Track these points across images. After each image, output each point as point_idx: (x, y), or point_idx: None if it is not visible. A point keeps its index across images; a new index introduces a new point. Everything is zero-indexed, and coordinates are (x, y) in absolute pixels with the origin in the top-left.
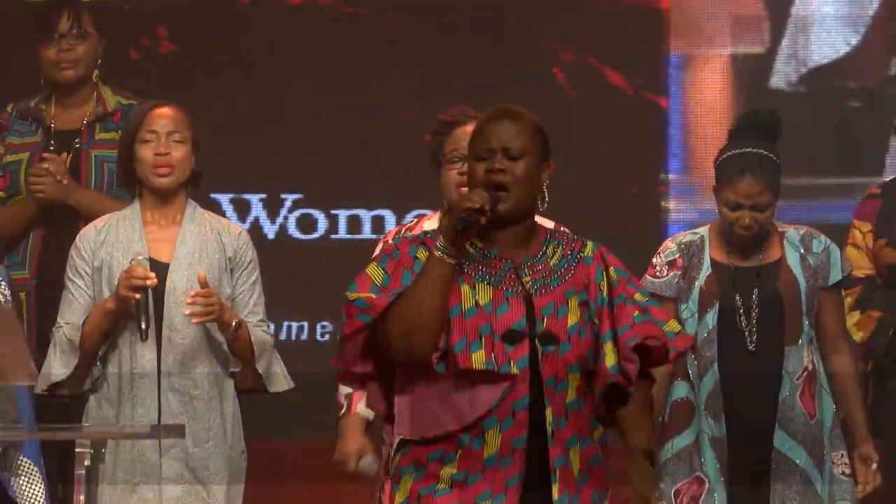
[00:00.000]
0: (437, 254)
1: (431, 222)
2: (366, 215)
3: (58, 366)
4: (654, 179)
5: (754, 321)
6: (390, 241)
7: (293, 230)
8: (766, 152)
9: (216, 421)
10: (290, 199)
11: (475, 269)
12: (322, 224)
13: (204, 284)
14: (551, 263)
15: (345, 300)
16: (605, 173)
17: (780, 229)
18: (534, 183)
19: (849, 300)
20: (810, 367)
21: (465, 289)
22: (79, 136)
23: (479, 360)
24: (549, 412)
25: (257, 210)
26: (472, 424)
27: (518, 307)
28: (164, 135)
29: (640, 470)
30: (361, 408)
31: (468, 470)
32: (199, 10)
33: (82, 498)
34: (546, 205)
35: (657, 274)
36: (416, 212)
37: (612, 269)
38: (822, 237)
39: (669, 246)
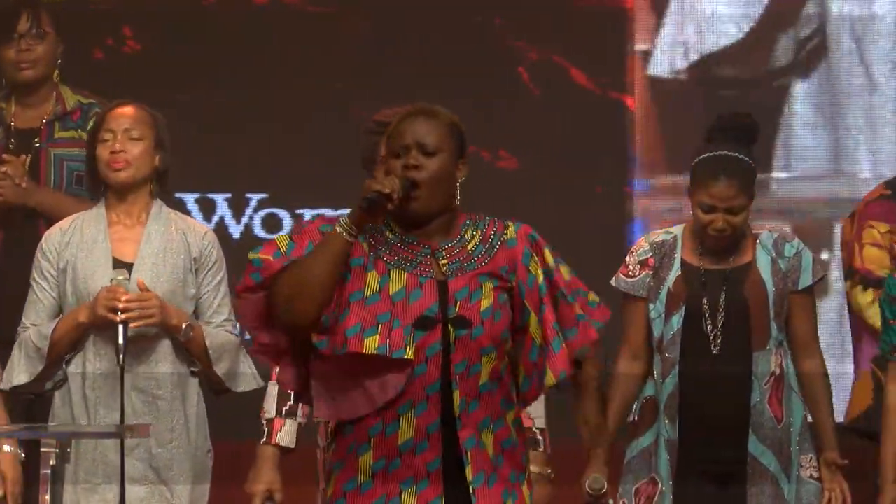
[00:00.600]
0: (337, 228)
1: None
2: (331, 215)
3: (21, 370)
4: (620, 178)
5: (720, 325)
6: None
7: (259, 230)
8: (740, 156)
9: (180, 421)
10: (255, 198)
11: (392, 256)
12: (287, 224)
13: (143, 289)
14: (468, 247)
15: (248, 260)
16: (570, 172)
17: (754, 231)
18: (448, 179)
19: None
20: (778, 371)
21: (373, 275)
22: (38, 135)
23: (371, 345)
24: (456, 395)
25: (223, 209)
26: (387, 410)
27: (431, 293)
28: (121, 132)
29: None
30: (282, 437)
31: (385, 457)
32: (164, 10)
33: (47, 497)
34: (458, 202)
35: (630, 273)
36: None
37: (547, 255)
38: (796, 241)
39: (642, 245)
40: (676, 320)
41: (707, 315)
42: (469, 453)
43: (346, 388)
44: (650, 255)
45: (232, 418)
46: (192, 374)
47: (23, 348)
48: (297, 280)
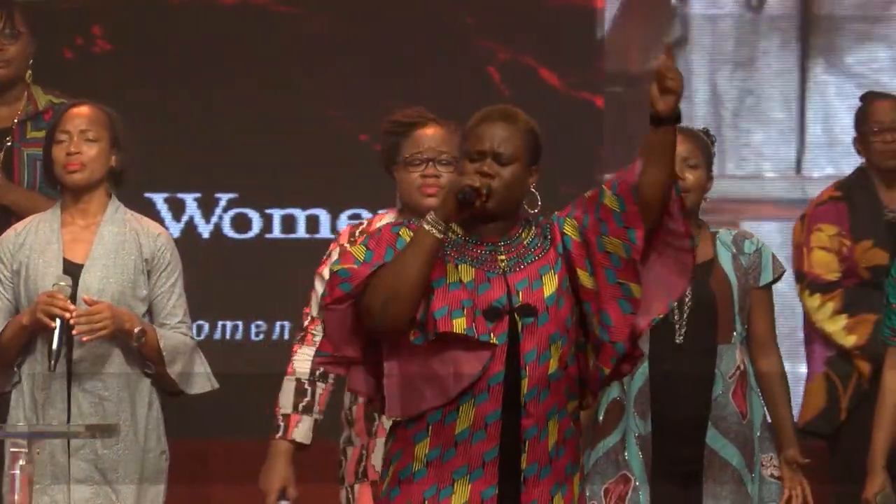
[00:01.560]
0: (426, 227)
1: (387, 220)
2: (300, 215)
3: None
4: (590, 178)
5: (685, 317)
6: (345, 244)
7: (228, 229)
8: (697, 129)
9: (126, 423)
10: (224, 198)
11: (458, 253)
12: (256, 223)
13: (91, 303)
14: (525, 242)
15: (330, 273)
16: (540, 172)
17: (711, 230)
18: (519, 187)
19: (831, 305)
20: (742, 367)
21: (450, 266)
22: (11, 135)
23: (460, 325)
24: (524, 383)
25: (192, 209)
26: (453, 400)
27: (499, 285)
28: (77, 134)
29: None
30: (298, 433)
31: (441, 445)
32: (134, 10)
33: (16, 497)
34: (539, 207)
35: None
36: (350, 211)
37: (568, 222)
38: (754, 238)
39: None
40: None
41: (674, 307)
42: (528, 443)
43: (419, 382)
44: None
45: (197, 417)
46: (147, 375)
47: None
48: (392, 282)
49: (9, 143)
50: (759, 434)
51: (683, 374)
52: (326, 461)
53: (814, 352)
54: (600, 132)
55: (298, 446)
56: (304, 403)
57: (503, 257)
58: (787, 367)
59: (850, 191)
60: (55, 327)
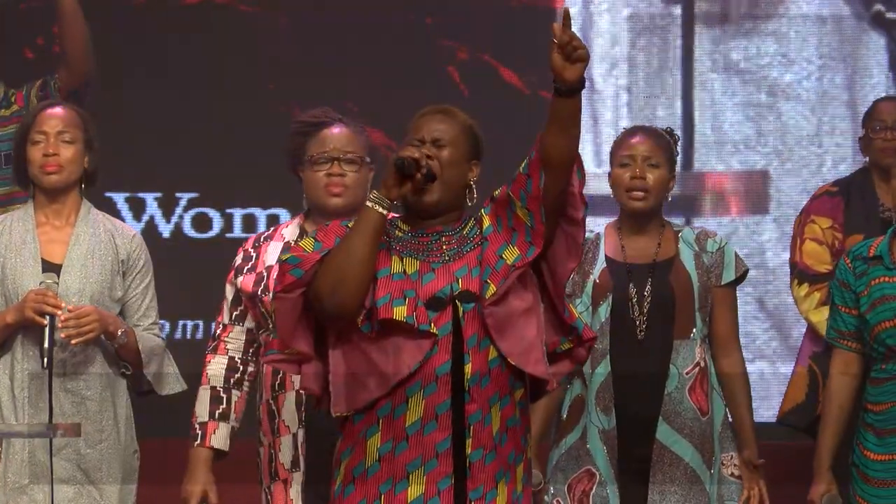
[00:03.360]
0: (369, 203)
1: (291, 229)
2: (261, 214)
3: None
4: None
5: (645, 312)
6: (249, 249)
7: (188, 229)
8: (658, 128)
9: (109, 422)
10: (185, 197)
11: (403, 247)
12: (217, 223)
13: (73, 310)
14: (464, 232)
15: (279, 263)
16: (500, 173)
17: (675, 229)
18: (459, 174)
19: (817, 295)
20: (703, 364)
21: (395, 258)
22: None
23: (400, 313)
24: (468, 368)
25: (152, 209)
26: (397, 391)
27: (443, 275)
28: (54, 135)
29: None
30: (216, 440)
31: (393, 439)
32: (95, 10)
33: None
34: (475, 200)
35: None
36: None
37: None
38: (718, 237)
39: None
40: (604, 310)
41: (634, 302)
42: (472, 428)
43: (361, 375)
44: None
45: (160, 417)
46: (123, 375)
47: None
48: (340, 264)
49: None
50: (719, 432)
51: (642, 371)
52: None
53: (803, 347)
54: None
55: (217, 453)
56: (220, 411)
57: (446, 247)
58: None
59: (849, 186)
60: (46, 325)
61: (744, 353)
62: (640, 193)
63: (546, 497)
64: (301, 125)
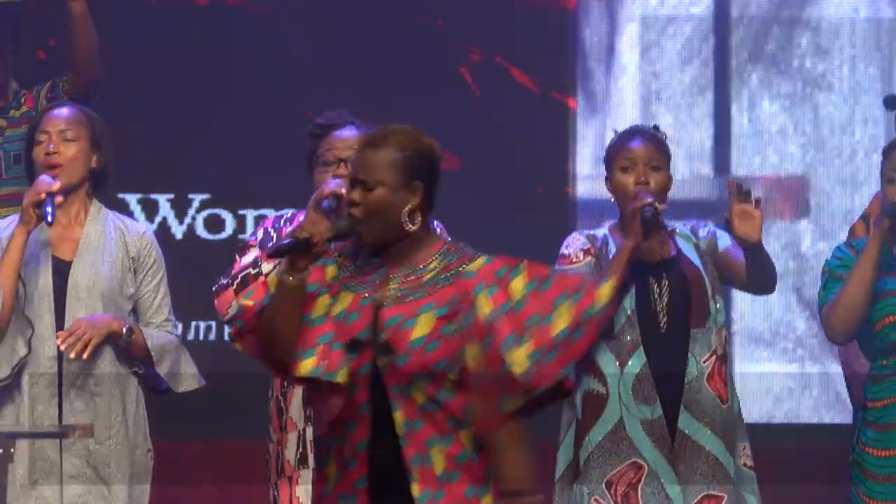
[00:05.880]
0: (284, 277)
1: None
2: (273, 215)
3: None
4: (562, 179)
5: (665, 304)
6: (269, 229)
7: (201, 230)
8: (653, 130)
9: (118, 419)
10: (197, 199)
11: (351, 277)
12: (230, 224)
13: (62, 334)
14: (424, 278)
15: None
16: (512, 173)
17: (668, 228)
18: (387, 211)
19: None
20: (720, 352)
21: (323, 299)
22: None
23: (306, 367)
24: (398, 415)
25: (165, 210)
26: (339, 425)
27: (366, 316)
28: (56, 134)
29: None
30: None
31: (337, 467)
32: (107, 10)
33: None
34: (417, 225)
35: (573, 260)
36: None
37: (514, 288)
38: (709, 224)
39: (578, 238)
40: (628, 303)
41: (656, 294)
42: (415, 471)
43: (317, 404)
44: (589, 245)
45: (175, 418)
46: (136, 375)
47: None
48: (266, 329)
49: None
50: (735, 423)
51: (664, 359)
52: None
53: None
54: (573, 133)
55: None
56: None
57: (394, 286)
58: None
59: None
60: (45, 199)
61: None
62: (649, 187)
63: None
64: (314, 127)
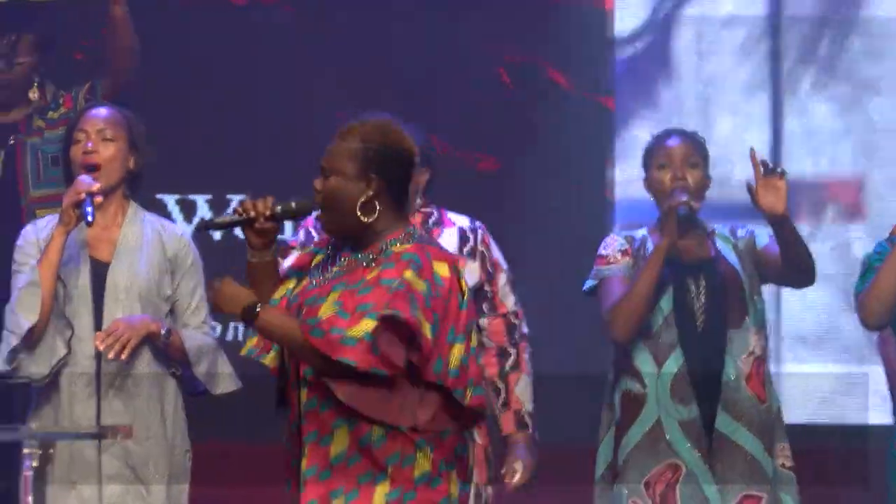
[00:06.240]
0: (247, 257)
1: None
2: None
3: (25, 309)
4: (599, 180)
5: (702, 304)
6: (311, 230)
7: (239, 231)
8: (690, 130)
9: (156, 420)
10: (235, 199)
11: (320, 264)
12: None
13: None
14: (359, 260)
15: None
16: (549, 174)
17: (707, 228)
18: (342, 200)
19: None
20: (758, 352)
21: (289, 282)
22: (15, 131)
23: (247, 347)
24: (303, 393)
25: (203, 211)
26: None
27: (300, 298)
28: (94, 133)
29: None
30: None
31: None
32: (143, 12)
33: (30, 499)
34: (372, 217)
35: (610, 261)
36: None
37: (415, 281)
38: (746, 226)
39: (616, 238)
40: (666, 303)
41: (693, 294)
42: (307, 447)
43: None
44: (627, 245)
45: (214, 419)
46: (174, 376)
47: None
48: None
49: (12, 142)
50: (774, 423)
51: (701, 359)
52: None
53: None
54: (610, 133)
55: None
56: None
57: (336, 269)
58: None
59: None
60: (85, 199)
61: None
62: (687, 186)
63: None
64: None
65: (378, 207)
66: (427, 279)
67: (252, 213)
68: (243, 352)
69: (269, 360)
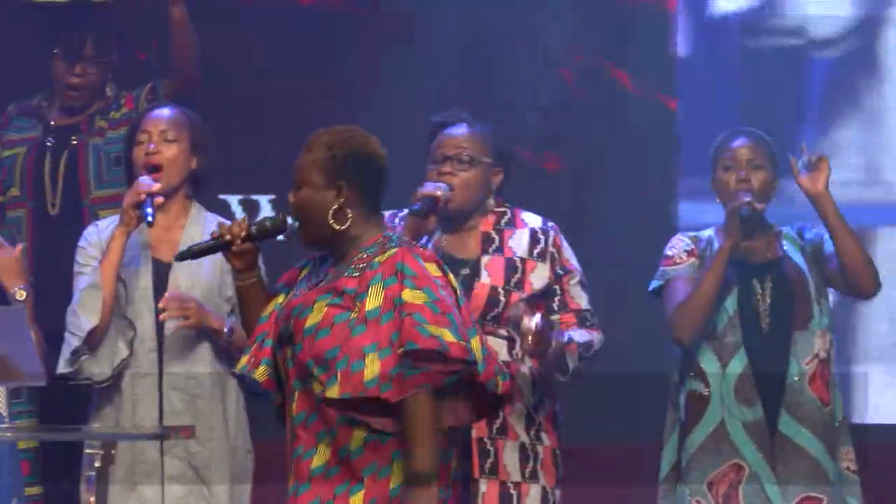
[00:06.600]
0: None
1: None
2: (388, 213)
3: (87, 311)
4: (665, 182)
5: (767, 305)
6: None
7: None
8: (758, 131)
9: (219, 420)
10: (264, 200)
11: (306, 277)
12: None
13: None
14: (342, 269)
15: None
16: (614, 176)
17: (775, 230)
18: (313, 210)
19: None
20: (822, 355)
21: (278, 298)
22: (77, 132)
23: (239, 365)
24: (293, 407)
25: (267, 211)
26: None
27: (286, 310)
28: (156, 134)
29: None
30: None
31: None
32: (204, 12)
33: (92, 500)
34: (345, 224)
35: (676, 261)
36: None
37: (406, 292)
38: (815, 228)
39: (682, 238)
40: (730, 304)
41: (758, 296)
42: (293, 463)
43: None
44: (692, 246)
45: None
46: (234, 375)
47: (78, 297)
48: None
49: (74, 142)
50: (836, 426)
51: (766, 360)
52: None
53: None
54: (676, 135)
55: None
56: None
57: (322, 281)
58: None
59: None
60: (146, 200)
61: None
62: (752, 187)
63: (679, 499)
64: (431, 126)
65: (349, 214)
66: (426, 286)
67: (228, 237)
68: (237, 370)
69: (259, 374)
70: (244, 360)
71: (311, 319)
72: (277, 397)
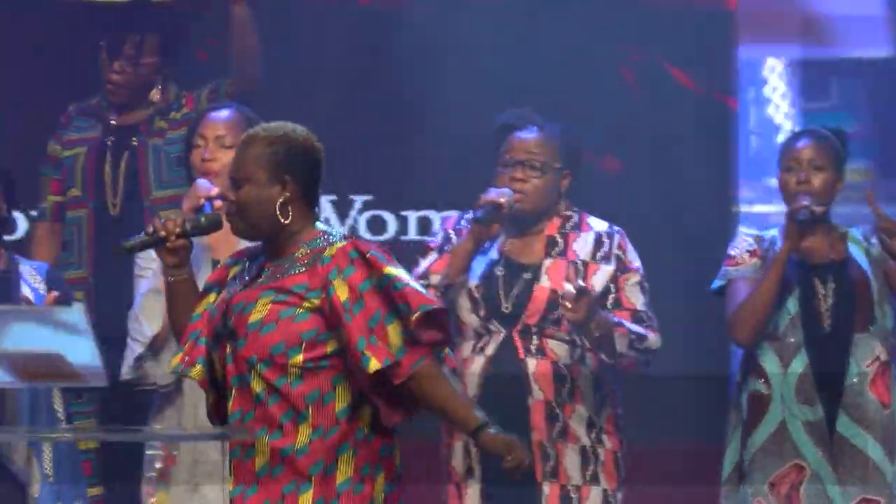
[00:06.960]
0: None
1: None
2: (435, 216)
3: (149, 317)
4: (724, 181)
5: (830, 306)
6: (450, 231)
7: (363, 231)
8: (825, 131)
9: None
10: (359, 200)
11: (239, 274)
12: (392, 225)
13: None
14: (286, 266)
15: None
16: (673, 175)
17: (841, 230)
18: (256, 205)
19: None
20: (883, 357)
21: (210, 296)
22: (137, 132)
23: (172, 364)
24: (230, 405)
25: (327, 211)
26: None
27: (222, 307)
28: (212, 139)
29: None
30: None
31: None
32: (265, 11)
33: (153, 500)
34: (290, 218)
35: (738, 262)
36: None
37: (374, 270)
38: None
39: (745, 238)
40: (792, 305)
41: (820, 296)
42: (232, 464)
43: None
44: (755, 246)
45: None
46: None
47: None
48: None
49: (134, 143)
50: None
51: (826, 362)
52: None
53: None
54: (734, 134)
55: None
56: None
57: (262, 278)
58: None
59: None
60: (204, 204)
61: None
62: (812, 187)
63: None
64: (498, 127)
65: (290, 210)
66: (397, 264)
67: (163, 233)
68: (170, 370)
69: (196, 373)
70: (178, 358)
71: (255, 315)
72: (211, 396)
